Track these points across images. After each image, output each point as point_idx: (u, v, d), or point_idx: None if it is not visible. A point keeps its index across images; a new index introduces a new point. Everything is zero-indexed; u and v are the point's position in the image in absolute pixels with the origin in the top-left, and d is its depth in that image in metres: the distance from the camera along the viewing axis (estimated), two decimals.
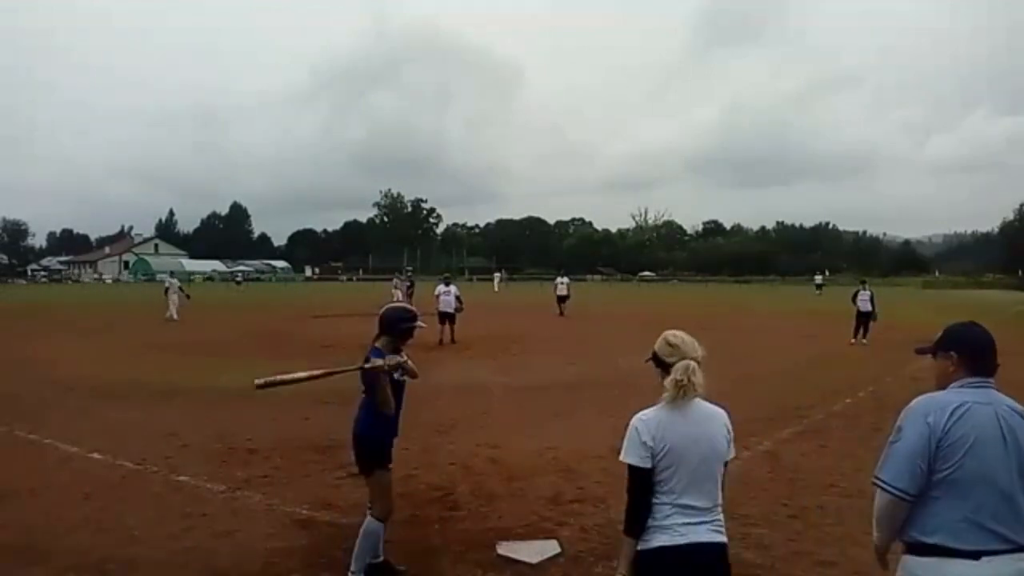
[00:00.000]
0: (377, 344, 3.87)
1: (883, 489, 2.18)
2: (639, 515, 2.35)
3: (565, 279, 26.48)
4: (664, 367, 2.46)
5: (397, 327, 3.91)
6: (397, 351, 3.86)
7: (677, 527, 2.31)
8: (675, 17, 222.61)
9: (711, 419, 2.43)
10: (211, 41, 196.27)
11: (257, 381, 3.68)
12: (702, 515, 2.35)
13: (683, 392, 2.35)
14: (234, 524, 4.81)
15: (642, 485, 2.35)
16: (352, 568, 3.87)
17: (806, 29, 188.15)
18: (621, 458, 2.40)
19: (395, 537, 4.56)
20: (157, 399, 9.35)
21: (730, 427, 2.47)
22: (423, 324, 4.10)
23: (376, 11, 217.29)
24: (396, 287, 30.80)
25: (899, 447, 2.17)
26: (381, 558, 4.06)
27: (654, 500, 2.35)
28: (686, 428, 2.36)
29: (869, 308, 16.51)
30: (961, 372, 2.22)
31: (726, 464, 2.45)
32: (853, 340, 16.25)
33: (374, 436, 3.87)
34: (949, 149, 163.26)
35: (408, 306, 4.03)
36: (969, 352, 2.25)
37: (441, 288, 16.87)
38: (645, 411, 2.43)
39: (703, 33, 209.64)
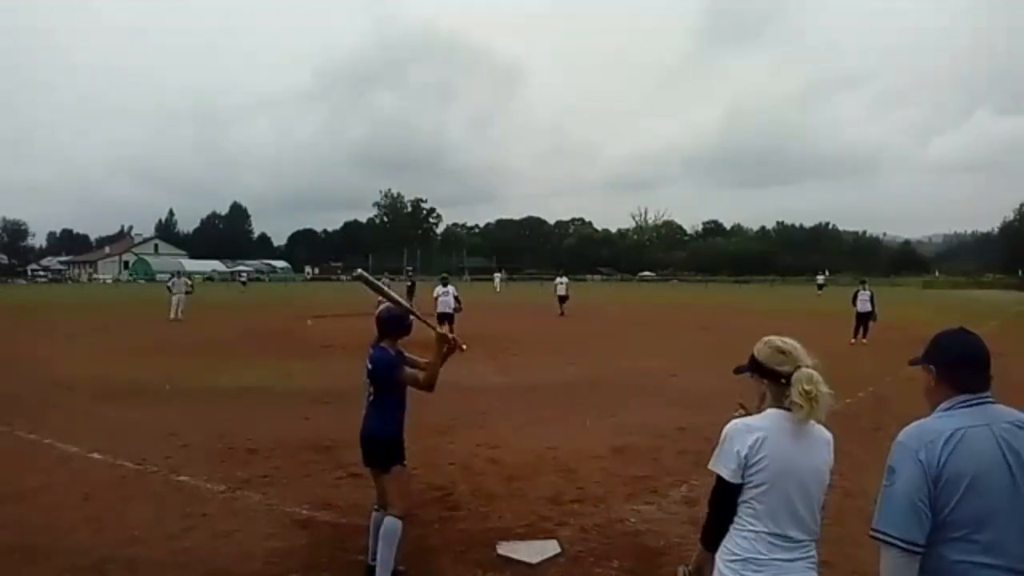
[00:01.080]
0: (383, 344, 3.93)
1: (888, 543, 1.83)
2: (717, 531, 2.14)
3: (564, 279, 26.63)
4: (773, 377, 2.16)
5: (396, 327, 3.95)
6: (398, 350, 3.96)
7: (764, 559, 2.05)
8: (676, 17, 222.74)
9: (818, 441, 2.15)
10: (211, 41, 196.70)
11: (358, 271, 4.18)
12: (796, 549, 2.08)
13: (814, 405, 2.04)
14: (234, 524, 4.81)
15: (725, 501, 2.11)
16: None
17: (808, 29, 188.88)
18: (709, 465, 2.15)
19: None
20: (157, 399, 9.35)
21: (832, 453, 2.19)
22: (420, 318, 4.13)
23: (378, 11, 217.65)
24: (386, 286, 30.98)
25: (895, 491, 1.86)
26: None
27: (743, 522, 2.09)
28: (791, 446, 2.08)
29: (869, 308, 16.53)
30: (947, 389, 1.95)
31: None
32: (853, 340, 16.25)
33: (392, 434, 3.91)
34: (950, 149, 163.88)
35: (395, 307, 4.01)
36: (955, 364, 1.97)
37: (439, 289, 16.81)
38: (745, 418, 2.17)
39: (705, 33, 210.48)
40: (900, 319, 21.90)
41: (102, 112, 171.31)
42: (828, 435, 2.18)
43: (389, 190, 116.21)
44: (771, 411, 2.14)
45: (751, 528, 2.07)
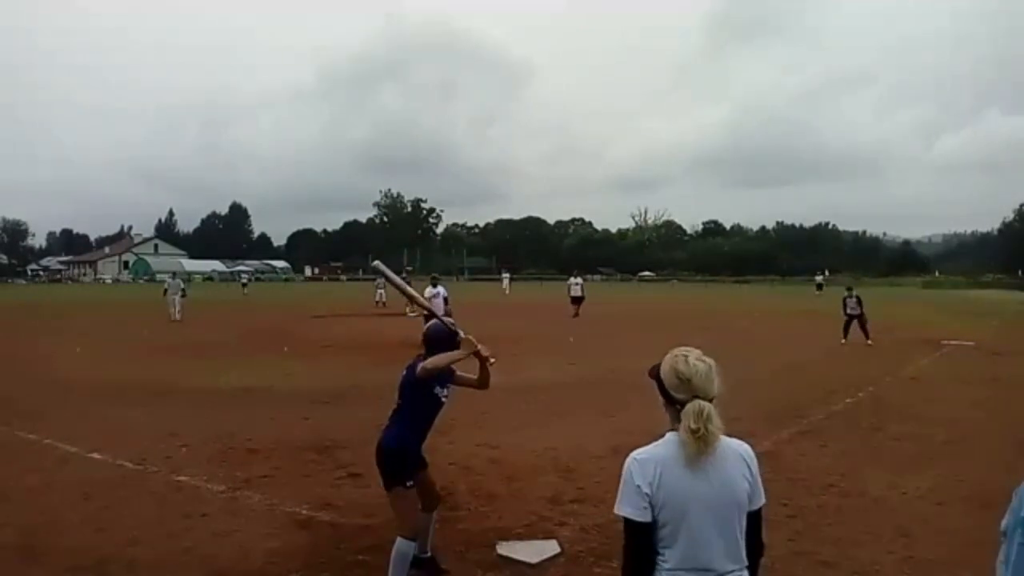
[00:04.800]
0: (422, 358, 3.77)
1: None
2: None
3: (580, 280, 26.03)
4: (669, 400, 1.99)
5: (445, 345, 3.76)
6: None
7: None
8: (682, 16, 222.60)
9: (726, 459, 1.95)
10: (212, 41, 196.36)
11: (376, 263, 4.19)
12: None
13: (702, 445, 1.87)
14: (234, 524, 4.81)
15: (639, 543, 1.91)
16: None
17: (816, 28, 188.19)
18: (615, 510, 1.95)
19: (395, 537, 4.56)
20: (157, 399, 9.34)
21: (753, 466, 2.00)
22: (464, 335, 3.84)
23: (383, 8, 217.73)
24: (380, 286, 30.87)
25: None
26: (428, 554, 4.10)
27: (662, 562, 1.92)
28: (693, 474, 1.90)
29: (858, 312, 16.64)
30: None
31: (756, 513, 1.99)
32: (844, 340, 16.35)
33: (400, 449, 3.75)
34: (953, 149, 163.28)
35: (447, 323, 3.88)
36: None
37: (429, 290, 16.28)
38: (643, 448, 1.98)
39: (711, 32, 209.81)
40: (900, 319, 21.92)
41: (102, 112, 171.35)
42: (742, 448, 2.01)
43: (389, 190, 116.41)
44: (669, 436, 1.97)
45: (670, 567, 1.90)
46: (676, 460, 1.91)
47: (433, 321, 3.94)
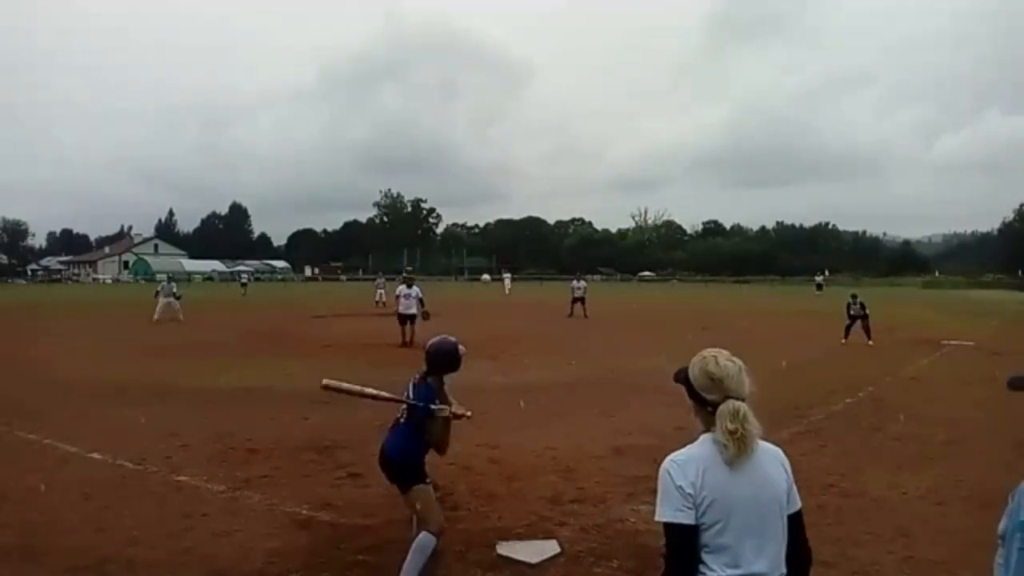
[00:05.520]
0: (428, 380, 3.82)
1: None
2: None
3: (583, 283, 25.84)
4: (699, 402, 1.96)
5: (447, 364, 3.83)
6: (441, 382, 3.87)
7: None
8: (682, 16, 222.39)
9: (765, 462, 1.92)
10: (212, 40, 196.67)
11: (326, 381, 3.74)
12: None
13: (743, 445, 1.83)
14: (234, 524, 4.80)
15: (684, 548, 1.83)
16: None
17: (816, 29, 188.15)
18: (657, 517, 1.87)
19: (395, 537, 4.56)
20: (157, 399, 9.34)
21: (788, 467, 1.98)
22: (464, 350, 3.93)
23: (384, 8, 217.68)
24: (380, 286, 31.16)
25: None
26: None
27: (705, 570, 1.84)
28: (734, 475, 1.86)
29: (863, 314, 16.80)
30: None
31: (797, 515, 1.96)
32: (844, 340, 16.42)
33: (412, 460, 3.83)
34: (954, 149, 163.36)
35: (449, 340, 3.90)
36: None
37: (402, 289, 16.10)
38: (679, 451, 1.94)
39: (713, 32, 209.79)
40: (900, 319, 21.92)
41: (102, 112, 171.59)
42: (775, 450, 2.00)
43: (389, 190, 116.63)
44: (705, 438, 1.93)
45: (714, 573, 1.84)
46: (716, 461, 1.86)
47: (438, 337, 3.95)
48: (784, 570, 1.90)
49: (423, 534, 3.74)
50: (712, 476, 1.85)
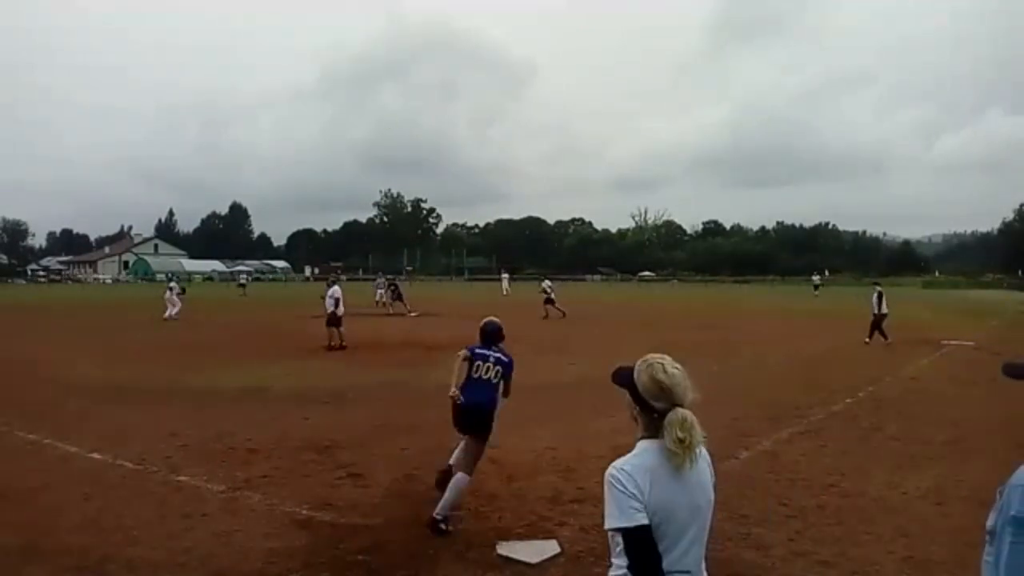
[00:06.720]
0: (500, 346, 5.14)
1: None
2: None
3: (547, 282, 27.31)
4: (646, 408, 1.97)
5: (499, 336, 5.20)
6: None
7: None
8: (682, 16, 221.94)
9: (701, 464, 1.97)
10: (212, 40, 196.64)
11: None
12: None
13: (688, 453, 1.87)
14: (234, 524, 4.81)
15: (648, 547, 1.85)
16: (439, 514, 4.62)
17: (816, 29, 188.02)
18: (607, 526, 1.89)
19: (395, 537, 4.57)
20: (157, 399, 9.34)
21: (712, 468, 2.06)
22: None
23: (382, 10, 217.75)
24: (380, 286, 31.68)
25: None
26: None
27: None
28: (678, 480, 1.89)
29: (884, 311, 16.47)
30: None
31: None
32: (867, 340, 16.20)
33: (495, 410, 4.95)
34: (955, 149, 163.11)
35: (495, 320, 5.25)
36: None
37: (325, 289, 15.92)
38: (623, 459, 1.96)
39: (713, 32, 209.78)
40: (901, 319, 21.90)
41: (103, 112, 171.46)
42: (705, 453, 2.03)
43: (389, 190, 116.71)
44: (646, 445, 1.95)
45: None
46: (662, 468, 1.89)
47: (488, 319, 5.24)
48: (703, 567, 1.97)
49: (464, 476, 4.74)
50: (658, 485, 1.87)
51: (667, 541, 1.88)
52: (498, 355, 5.02)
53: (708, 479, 2.00)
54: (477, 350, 5.04)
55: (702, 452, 2.00)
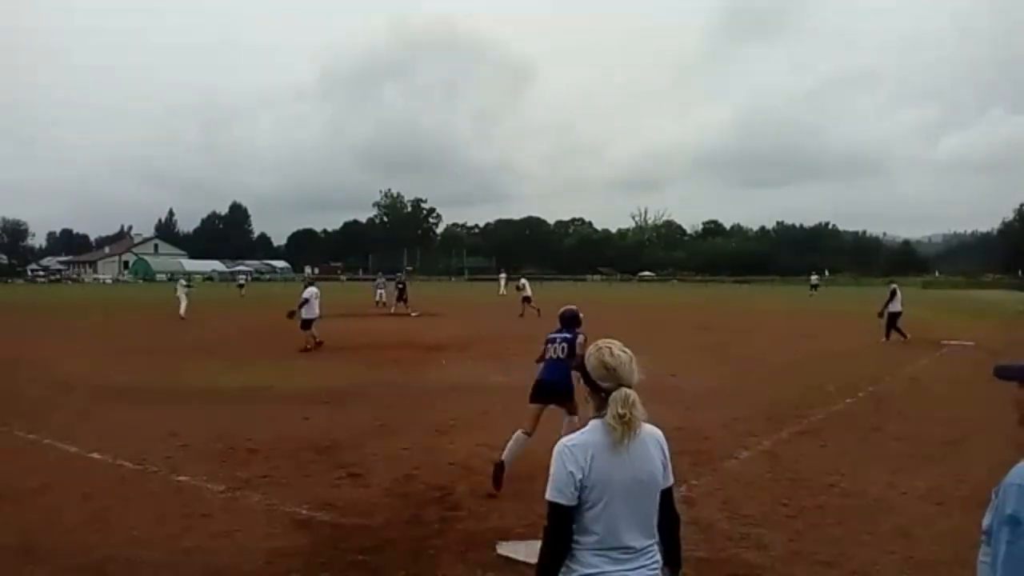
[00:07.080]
0: (580, 330, 5.92)
1: None
2: (557, 559, 2.08)
3: (524, 280, 27.35)
4: (595, 388, 2.13)
5: (575, 321, 6.04)
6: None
7: (610, 573, 2.03)
8: (683, 16, 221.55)
9: (644, 441, 2.09)
10: (211, 40, 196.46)
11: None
12: (636, 558, 2.05)
13: (628, 429, 2.01)
14: (234, 524, 4.80)
15: (562, 526, 2.05)
16: (505, 457, 5.53)
17: (818, 29, 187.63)
18: (546, 496, 2.07)
19: (395, 536, 4.57)
20: (157, 399, 9.34)
21: (666, 448, 2.16)
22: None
23: (384, 10, 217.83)
24: (380, 286, 31.86)
25: None
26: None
27: (576, 543, 2.05)
28: (618, 458, 2.03)
29: (898, 308, 16.37)
30: None
31: (668, 490, 2.16)
32: (885, 339, 16.13)
33: (571, 381, 5.45)
34: (957, 149, 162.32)
35: (572, 307, 6.20)
36: None
37: (304, 291, 15.87)
38: (572, 435, 2.14)
39: (714, 32, 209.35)
40: (901, 319, 21.87)
41: (102, 112, 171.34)
42: (657, 433, 2.16)
43: (389, 190, 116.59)
44: (595, 423, 2.09)
45: (591, 547, 2.04)
46: (604, 445, 2.04)
47: (566, 307, 6.20)
48: (656, 538, 2.12)
49: (522, 433, 5.60)
50: (599, 461, 2.02)
51: (607, 513, 2.02)
52: (564, 335, 5.85)
53: (655, 456, 2.11)
54: (550, 335, 5.97)
55: (652, 431, 2.15)
